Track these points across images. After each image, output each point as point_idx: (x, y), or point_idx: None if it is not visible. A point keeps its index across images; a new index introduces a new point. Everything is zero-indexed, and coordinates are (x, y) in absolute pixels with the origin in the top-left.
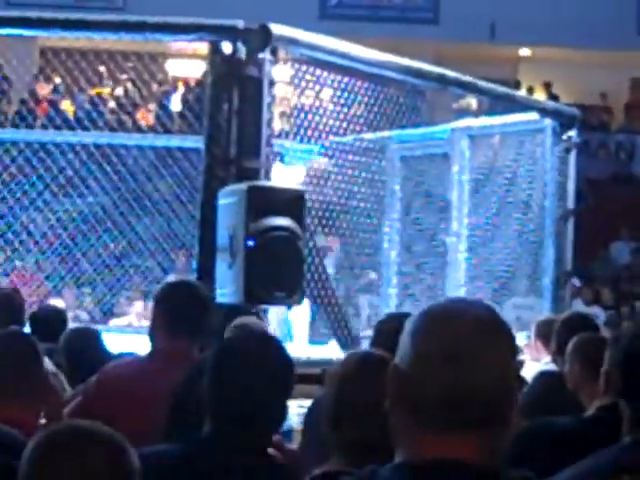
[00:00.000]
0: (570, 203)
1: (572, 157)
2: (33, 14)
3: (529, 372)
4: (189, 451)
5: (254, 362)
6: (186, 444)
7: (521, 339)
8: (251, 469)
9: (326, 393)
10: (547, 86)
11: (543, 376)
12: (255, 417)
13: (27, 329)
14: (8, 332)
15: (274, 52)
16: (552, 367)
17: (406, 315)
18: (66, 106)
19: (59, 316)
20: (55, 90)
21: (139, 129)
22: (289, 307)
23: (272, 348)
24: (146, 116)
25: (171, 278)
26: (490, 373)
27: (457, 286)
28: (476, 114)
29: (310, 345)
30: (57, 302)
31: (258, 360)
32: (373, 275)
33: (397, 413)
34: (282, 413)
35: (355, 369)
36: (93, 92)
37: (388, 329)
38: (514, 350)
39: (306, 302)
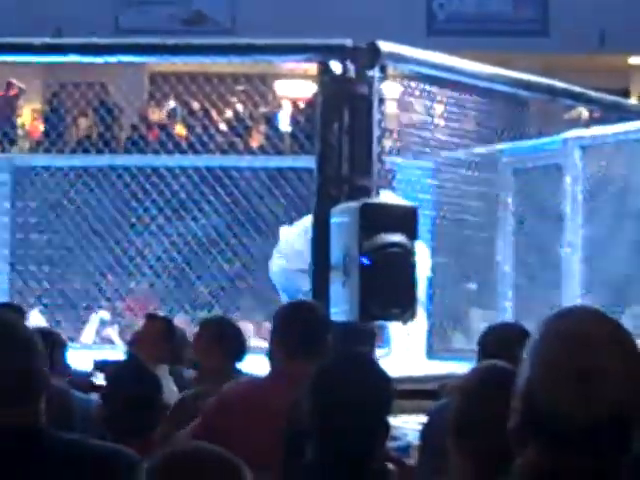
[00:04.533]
0: None
1: None
2: (143, 40)
3: None
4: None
5: (350, 382)
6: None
7: None
8: None
9: (450, 404)
10: None
11: None
12: (354, 434)
13: None
14: None
15: (383, 69)
16: None
17: (508, 325)
18: (178, 130)
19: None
20: (167, 115)
21: (250, 150)
22: (404, 323)
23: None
24: (256, 137)
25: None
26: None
27: (573, 298)
28: (587, 124)
29: (428, 360)
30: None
31: (353, 379)
32: (473, 286)
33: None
34: (382, 429)
35: (480, 381)
36: (204, 115)
37: (491, 341)
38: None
39: (423, 317)
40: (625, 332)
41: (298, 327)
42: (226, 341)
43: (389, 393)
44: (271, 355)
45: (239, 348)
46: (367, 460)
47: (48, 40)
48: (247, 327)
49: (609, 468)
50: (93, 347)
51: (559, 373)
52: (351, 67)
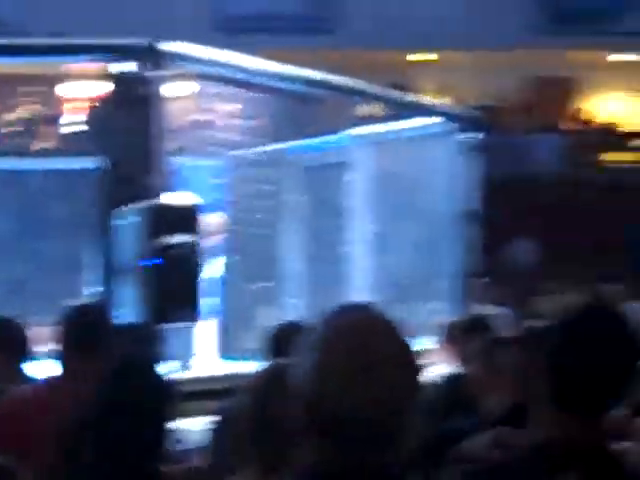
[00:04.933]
0: (471, 204)
1: (473, 158)
2: None
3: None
4: None
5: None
6: None
7: (432, 343)
8: None
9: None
10: (440, 90)
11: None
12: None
13: None
14: None
15: (165, 68)
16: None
17: (296, 323)
18: None
19: None
20: None
21: (39, 152)
22: (190, 322)
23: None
24: (42, 139)
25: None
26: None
27: (359, 292)
28: (377, 121)
29: (222, 360)
30: None
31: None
32: (261, 285)
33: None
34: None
35: (267, 381)
36: None
37: (280, 337)
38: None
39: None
40: (391, 325)
41: (79, 328)
42: (8, 342)
43: (165, 397)
44: (57, 356)
45: (23, 349)
46: (145, 463)
47: None
48: (42, 331)
49: (392, 461)
50: None
51: (338, 371)
52: (133, 66)
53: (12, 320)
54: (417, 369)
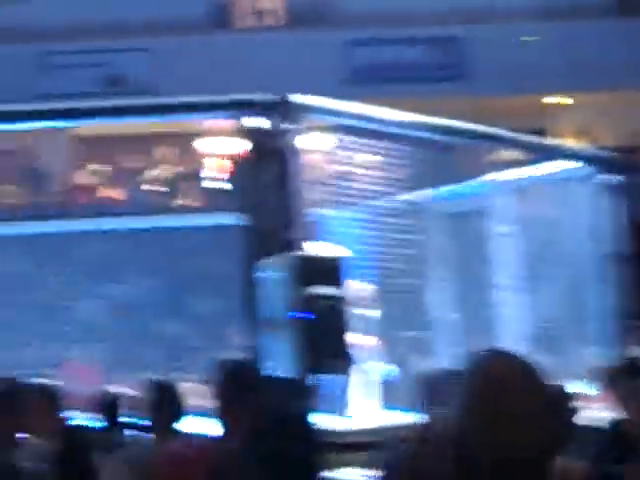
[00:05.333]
0: (619, 246)
1: (614, 200)
2: (59, 105)
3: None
4: None
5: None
6: None
7: (589, 388)
8: None
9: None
10: (579, 132)
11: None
12: None
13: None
14: None
15: (298, 122)
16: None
17: (450, 371)
18: (105, 192)
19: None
20: (93, 177)
21: (181, 209)
22: (341, 373)
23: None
24: (184, 195)
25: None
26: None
27: (509, 338)
28: (515, 166)
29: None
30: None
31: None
32: (414, 334)
33: None
34: None
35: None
36: (131, 176)
37: (435, 386)
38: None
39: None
40: (536, 375)
41: (230, 384)
42: (166, 403)
43: (316, 448)
44: (209, 412)
45: (178, 410)
46: None
47: None
48: (194, 387)
49: None
50: None
51: (478, 415)
52: (266, 121)
53: (166, 381)
54: (563, 412)
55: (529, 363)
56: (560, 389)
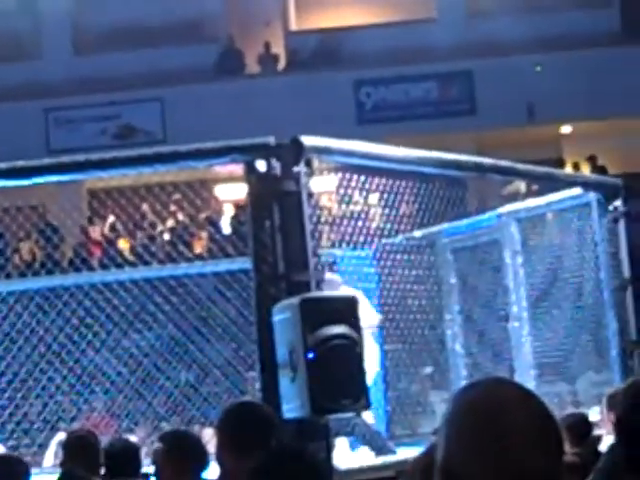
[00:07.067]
0: (625, 272)
1: (621, 226)
2: (76, 158)
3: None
4: None
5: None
6: None
7: (595, 414)
8: None
9: None
10: (592, 159)
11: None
12: None
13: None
14: None
15: (308, 164)
16: None
17: None
18: (121, 244)
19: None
20: (109, 229)
21: (196, 256)
22: (357, 413)
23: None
24: (200, 242)
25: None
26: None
27: (523, 367)
28: (525, 197)
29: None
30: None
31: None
32: (428, 370)
33: None
34: None
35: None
36: (148, 226)
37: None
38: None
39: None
40: (536, 400)
41: (242, 427)
42: (186, 453)
43: None
44: (219, 456)
45: (200, 459)
46: None
47: None
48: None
49: None
50: (54, 471)
51: (471, 446)
52: (276, 164)
53: (188, 431)
54: (559, 439)
55: (526, 391)
56: (582, 417)
